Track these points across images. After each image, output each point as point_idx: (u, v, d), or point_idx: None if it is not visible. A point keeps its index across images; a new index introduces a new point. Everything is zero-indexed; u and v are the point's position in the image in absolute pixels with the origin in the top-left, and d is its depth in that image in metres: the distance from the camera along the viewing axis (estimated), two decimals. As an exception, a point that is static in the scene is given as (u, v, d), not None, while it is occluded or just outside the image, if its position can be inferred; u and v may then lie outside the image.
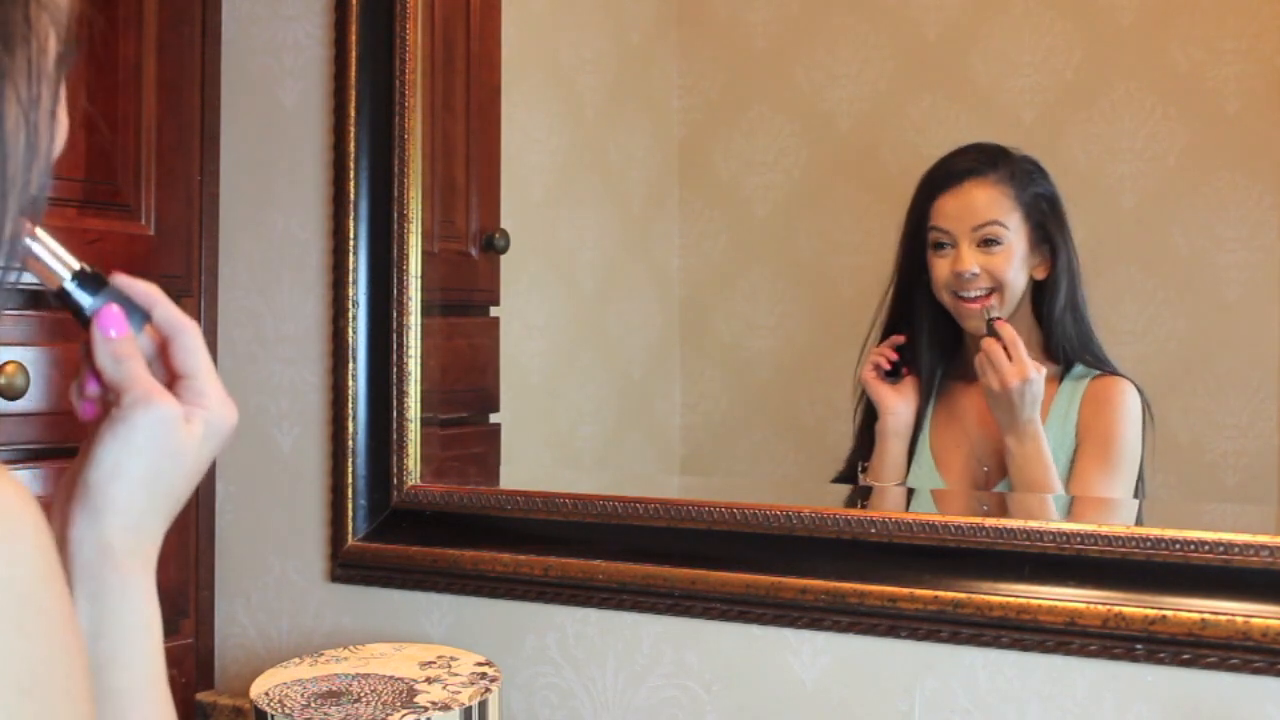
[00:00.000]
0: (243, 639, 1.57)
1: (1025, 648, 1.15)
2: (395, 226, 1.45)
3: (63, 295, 0.71)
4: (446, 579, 1.41)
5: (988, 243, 1.37)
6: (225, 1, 1.58)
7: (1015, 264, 1.37)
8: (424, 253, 1.46)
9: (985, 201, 1.38)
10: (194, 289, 1.56)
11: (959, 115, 1.50)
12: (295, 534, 1.53)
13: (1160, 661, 1.10)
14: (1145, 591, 1.10)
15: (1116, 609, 1.11)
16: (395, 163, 1.45)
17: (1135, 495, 1.33)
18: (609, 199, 1.70)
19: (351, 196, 1.47)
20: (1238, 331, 1.36)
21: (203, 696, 1.55)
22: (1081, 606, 1.12)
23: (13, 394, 1.28)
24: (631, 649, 1.33)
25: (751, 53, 1.62)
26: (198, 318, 1.54)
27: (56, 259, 0.70)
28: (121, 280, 0.73)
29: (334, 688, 1.20)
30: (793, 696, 1.26)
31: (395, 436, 1.45)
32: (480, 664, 1.27)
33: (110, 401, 0.71)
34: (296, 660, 1.31)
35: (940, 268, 1.39)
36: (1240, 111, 1.35)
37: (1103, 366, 1.37)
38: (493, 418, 1.59)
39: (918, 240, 1.41)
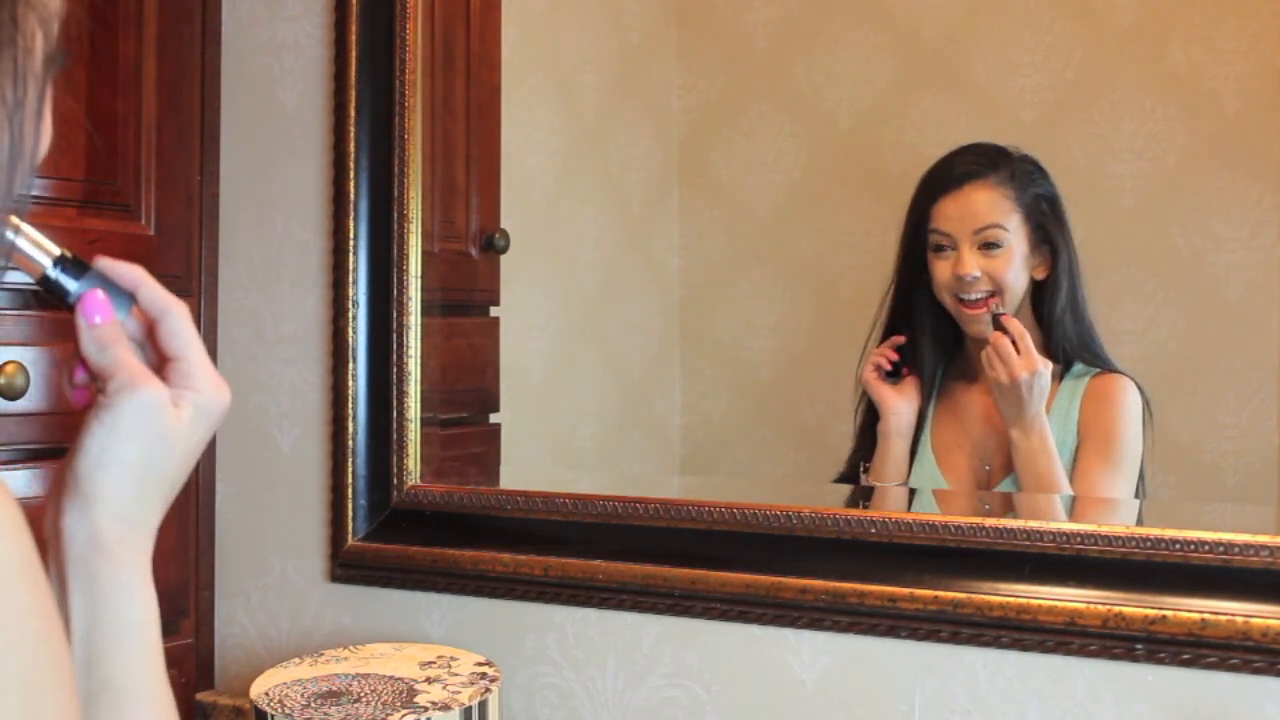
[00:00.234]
0: (243, 639, 1.57)
1: (1025, 648, 1.15)
2: (395, 226, 1.45)
3: (46, 282, 0.70)
4: (446, 579, 1.41)
5: (988, 246, 1.37)
6: (225, 1, 1.58)
7: (1016, 266, 1.37)
8: (424, 253, 1.46)
9: (986, 204, 1.38)
10: (194, 289, 1.56)
11: (959, 115, 1.50)
12: (295, 534, 1.53)
13: (1160, 661, 1.10)
14: (1145, 591, 1.10)
15: (1117, 609, 1.11)
16: (395, 163, 1.45)
17: (1136, 495, 1.33)
18: (609, 199, 1.70)
19: (351, 196, 1.47)
20: (1238, 331, 1.36)
21: (202, 696, 1.55)
22: (1082, 606, 1.12)
23: (13, 394, 1.28)
24: (631, 649, 1.33)
25: (751, 53, 1.62)
26: (198, 318, 1.54)
27: (37, 247, 0.69)
28: (105, 263, 0.72)
29: (334, 688, 1.20)
30: (793, 696, 1.26)
31: (395, 436, 1.45)
32: (480, 664, 1.27)
33: (99, 389, 0.69)
34: (296, 660, 1.31)
35: (941, 270, 1.39)
36: (1240, 111, 1.35)
37: (1102, 364, 1.37)
38: (493, 418, 1.59)
39: (918, 242, 1.41)
